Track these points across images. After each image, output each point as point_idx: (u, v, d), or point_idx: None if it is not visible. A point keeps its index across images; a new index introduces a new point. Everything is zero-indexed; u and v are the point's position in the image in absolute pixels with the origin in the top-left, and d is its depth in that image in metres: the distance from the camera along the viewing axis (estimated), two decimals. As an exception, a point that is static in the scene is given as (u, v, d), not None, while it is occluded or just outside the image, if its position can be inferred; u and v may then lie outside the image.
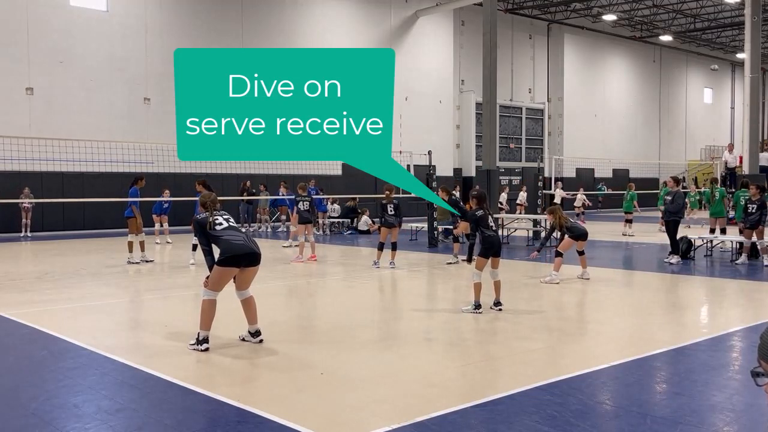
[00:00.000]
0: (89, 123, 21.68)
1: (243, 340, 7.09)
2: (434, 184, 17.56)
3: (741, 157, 25.73)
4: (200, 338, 6.70)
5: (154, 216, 18.45)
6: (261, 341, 6.98)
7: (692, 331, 7.89)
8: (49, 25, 21.46)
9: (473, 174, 30.42)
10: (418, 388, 5.48)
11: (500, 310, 8.62)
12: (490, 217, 8.78)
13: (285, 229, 23.01)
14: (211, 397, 5.22)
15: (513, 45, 35.26)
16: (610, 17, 35.77)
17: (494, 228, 8.77)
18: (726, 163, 26.35)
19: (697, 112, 46.79)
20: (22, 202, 19.21)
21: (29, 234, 19.87)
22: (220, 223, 6.85)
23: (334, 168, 26.03)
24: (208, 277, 6.84)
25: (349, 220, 22.96)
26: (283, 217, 23.39)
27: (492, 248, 8.59)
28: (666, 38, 40.41)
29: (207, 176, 20.85)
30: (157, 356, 6.59)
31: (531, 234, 18.41)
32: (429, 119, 31.23)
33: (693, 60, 45.84)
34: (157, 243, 17.63)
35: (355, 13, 28.78)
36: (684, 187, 30.97)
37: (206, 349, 6.65)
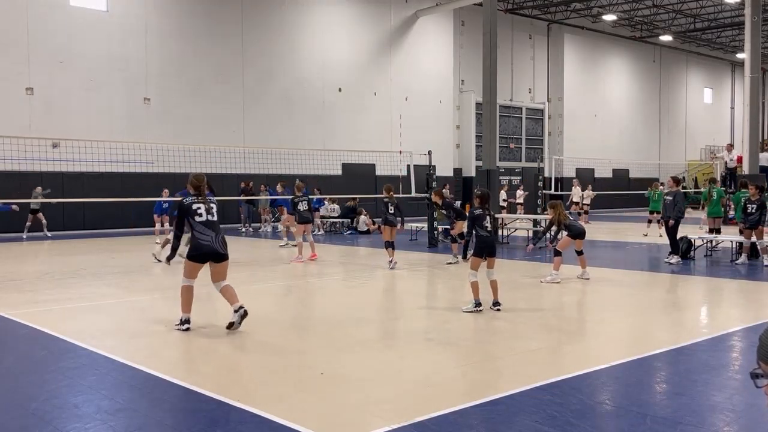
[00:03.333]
0: (89, 123, 21.69)
1: (231, 325, 7.41)
2: (434, 184, 17.57)
3: (740, 157, 25.74)
4: (182, 320, 7.51)
5: (155, 216, 18.46)
6: (245, 312, 7.41)
7: (692, 331, 7.88)
8: (49, 25, 21.46)
9: (473, 174, 30.43)
10: (418, 388, 5.48)
11: (498, 310, 8.61)
12: (488, 217, 8.79)
13: (285, 229, 23.01)
14: (211, 397, 5.22)
15: (513, 45, 35.27)
16: (610, 17, 35.77)
17: (489, 228, 8.80)
18: (726, 164, 26.36)
19: (697, 112, 46.80)
20: (32, 202, 18.99)
21: (48, 233, 19.89)
22: (200, 215, 7.38)
23: (334, 168, 26.05)
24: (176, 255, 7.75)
25: (349, 220, 22.96)
26: (283, 217, 23.37)
27: (486, 248, 8.64)
28: (666, 38, 40.42)
29: (207, 176, 20.92)
30: (157, 356, 6.60)
31: (531, 234, 18.41)
32: (429, 119, 31.24)
33: (693, 60, 45.85)
34: (156, 243, 17.61)
35: (355, 13, 28.79)
36: (684, 187, 31.00)
37: (187, 329, 7.41)
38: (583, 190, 27.25)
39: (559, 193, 27.42)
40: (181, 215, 7.41)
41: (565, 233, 11.58)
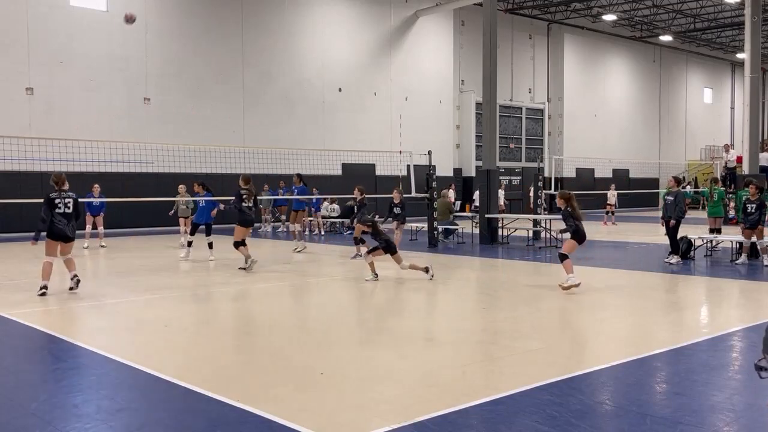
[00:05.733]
0: (89, 123, 21.68)
1: (71, 289, 9.95)
2: (434, 184, 17.57)
3: (739, 157, 25.74)
4: (41, 286, 9.74)
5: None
6: (77, 279, 10.03)
7: (692, 331, 7.88)
8: (49, 25, 21.46)
9: (473, 174, 30.44)
10: (418, 388, 5.48)
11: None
12: (378, 225, 11.60)
13: (285, 230, 23.02)
14: (211, 397, 5.22)
15: (513, 45, 35.27)
16: (610, 17, 35.77)
17: (386, 236, 11.59)
18: (726, 164, 26.38)
19: (697, 112, 46.79)
20: (177, 201, 17.33)
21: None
22: (59, 208, 9.75)
23: (334, 168, 26.05)
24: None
25: (349, 221, 22.92)
26: (283, 217, 23.36)
27: (387, 249, 11.43)
28: (666, 38, 40.42)
29: (207, 176, 20.89)
30: (158, 356, 6.59)
31: (531, 234, 18.41)
32: (429, 119, 31.23)
33: (693, 60, 45.84)
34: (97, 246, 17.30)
35: (355, 13, 28.79)
36: (684, 187, 30.92)
37: (43, 294, 9.63)
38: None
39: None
40: (47, 206, 9.69)
41: (567, 235, 10.64)
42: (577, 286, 10.05)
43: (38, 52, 21.29)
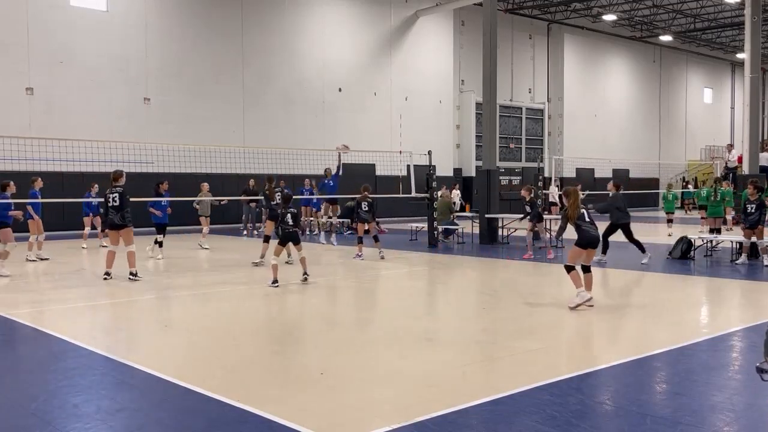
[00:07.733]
0: (89, 123, 21.67)
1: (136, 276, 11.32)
2: (434, 184, 17.57)
3: (740, 157, 25.76)
4: (105, 272, 11.39)
5: (85, 218, 17.71)
6: (135, 273, 11.33)
7: (692, 331, 7.88)
8: (49, 25, 21.45)
9: (473, 174, 30.43)
10: (418, 388, 5.48)
11: (305, 280, 10.97)
12: (289, 215, 10.88)
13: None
14: (211, 397, 5.22)
15: (513, 45, 35.26)
16: (610, 17, 35.76)
17: (291, 224, 10.89)
18: (727, 163, 26.42)
19: (697, 112, 46.79)
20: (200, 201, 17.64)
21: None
22: (109, 201, 11.38)
23: (334, 168, 25.98)
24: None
25: (349, 221, 22.89)
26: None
27: (286, 239, 10.92)
28: (666, 38, 40.42)
29: (207, 176, 20.89)
30: (157, 356, 6.60)
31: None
32: (429, 119, 31.23)
33: (693, 60, 45.84)
34: (83, 248, 17.27)
35: (355, 13, 28.79)
36: (684, 187, 31.01)
37: (106, 278, 11.21)
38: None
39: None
40: (104, 201, 11.59)
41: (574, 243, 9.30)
42: (587, 302, 8.76)
43: (38, 52, 21.29)
